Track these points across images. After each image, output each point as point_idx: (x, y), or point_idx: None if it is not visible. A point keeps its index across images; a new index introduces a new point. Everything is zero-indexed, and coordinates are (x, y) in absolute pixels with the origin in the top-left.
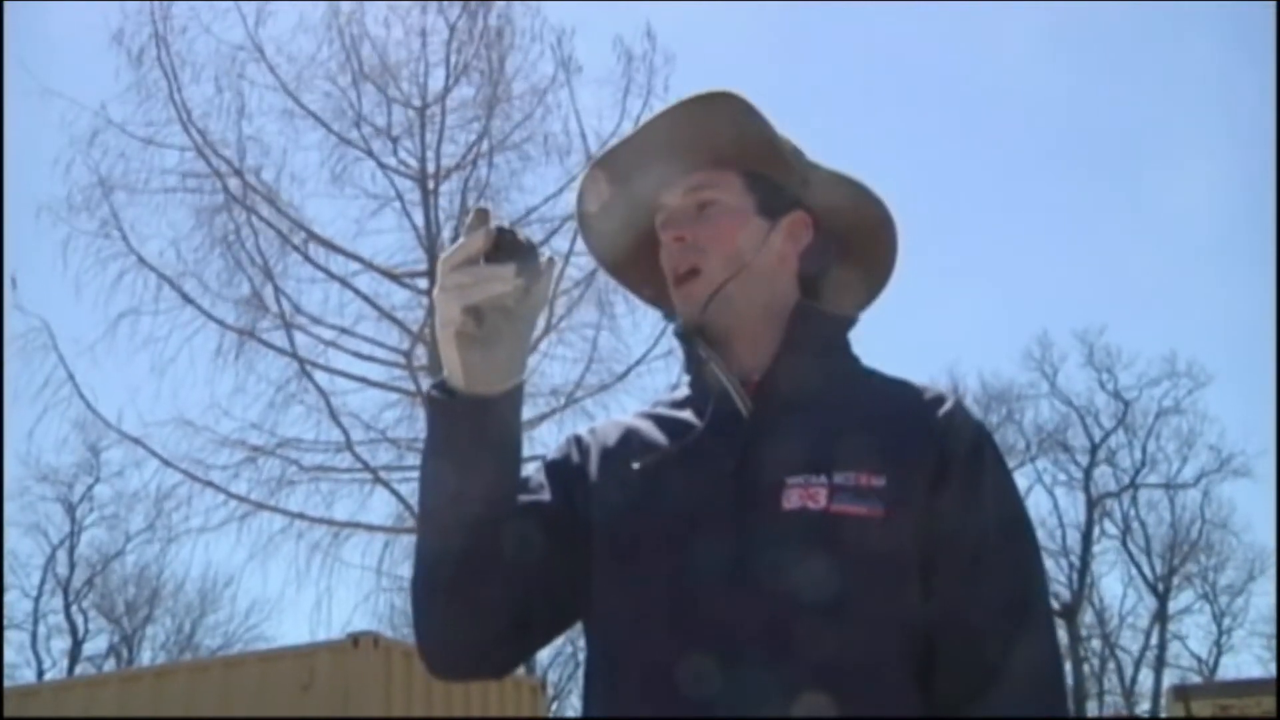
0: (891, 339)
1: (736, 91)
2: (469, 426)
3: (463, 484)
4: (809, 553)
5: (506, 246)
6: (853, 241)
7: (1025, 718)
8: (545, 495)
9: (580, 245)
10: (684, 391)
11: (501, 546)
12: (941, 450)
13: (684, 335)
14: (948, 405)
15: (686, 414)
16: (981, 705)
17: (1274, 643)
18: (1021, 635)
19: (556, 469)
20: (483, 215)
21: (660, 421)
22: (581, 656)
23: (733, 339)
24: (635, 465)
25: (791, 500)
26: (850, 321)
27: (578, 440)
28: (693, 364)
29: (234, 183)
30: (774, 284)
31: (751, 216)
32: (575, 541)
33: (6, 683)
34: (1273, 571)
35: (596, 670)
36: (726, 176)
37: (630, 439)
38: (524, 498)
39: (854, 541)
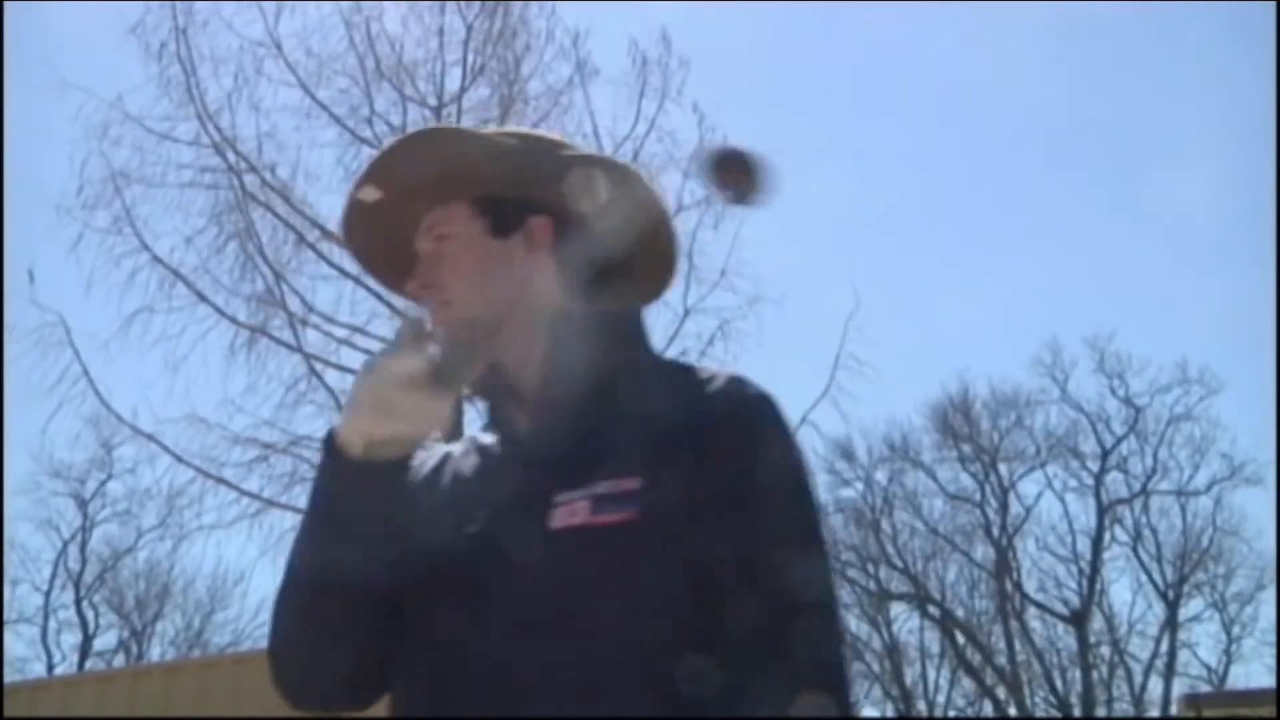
0: (902, 344)
1: (439, 125)
2: (360, 492)
3: (344, 545)
4: (566, 573)
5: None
6: (633, 227)
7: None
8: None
9: None
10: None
11: (375, 581)
12: (705, 435)
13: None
14: (716, 384)
15: (489, 440)
16: (744, 703)
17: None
18: (789, 630)
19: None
20: (418, 328)
21: (469, 449)
22: None
23: (503, 359)
24: (429, 505)
25: (556, 519)
26: (619, 315)
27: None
28: (478, 390)
29: (249, 179)
30: (528, 296)
31: (482, 239)
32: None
33: (18, 677)
34: None
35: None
36: (454, 208)
37: (438, 470)
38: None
39: (609, 553)
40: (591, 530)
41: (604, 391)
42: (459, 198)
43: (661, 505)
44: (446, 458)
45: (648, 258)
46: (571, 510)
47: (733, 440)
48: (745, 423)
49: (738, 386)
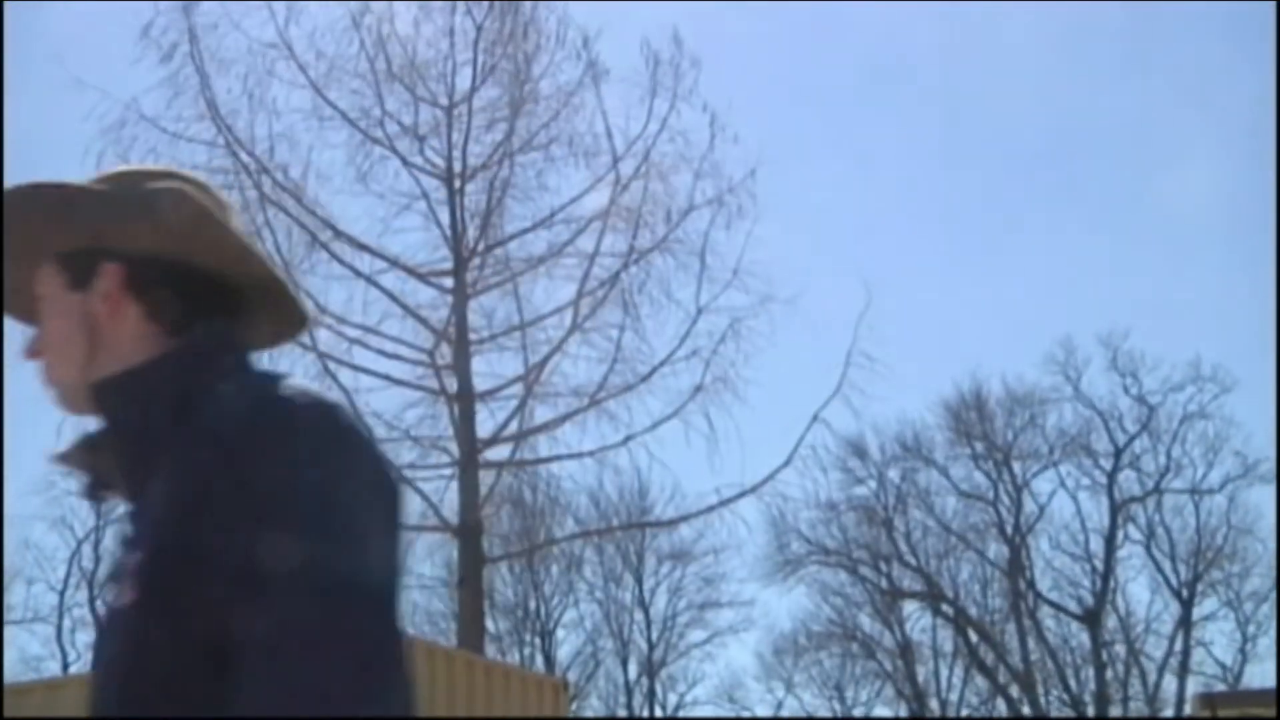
0: (914, 342)
1: (19, 184)
2: None
3: None
4: (100, 670)
5: None
6: (213, 249)
7: None
8: None
9: (605, 245)
10: None
11: None
12: (194, 481)
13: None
14: (219, 415)
15: None
16: None
17: None
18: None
19: None
20: None
21: None
22: (601, 656)
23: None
24: None
25: (123, 600)
26: (180, 357)
27: None
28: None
29: (262, 179)
30: (107, 350)
31: (65, 297)
32: None
33: (33, 675)
34: None
35: None
36: (44, 269)
37: None
38: None
39: (121, 642)
40: (113, 617)
41: (159, 456)
42: (47, 257)
43: (156, 576)
44: None
45: (252, 289)
46: (125, 590)
47: (224, 487)
48: (241, 461)
49: (245, 415)
